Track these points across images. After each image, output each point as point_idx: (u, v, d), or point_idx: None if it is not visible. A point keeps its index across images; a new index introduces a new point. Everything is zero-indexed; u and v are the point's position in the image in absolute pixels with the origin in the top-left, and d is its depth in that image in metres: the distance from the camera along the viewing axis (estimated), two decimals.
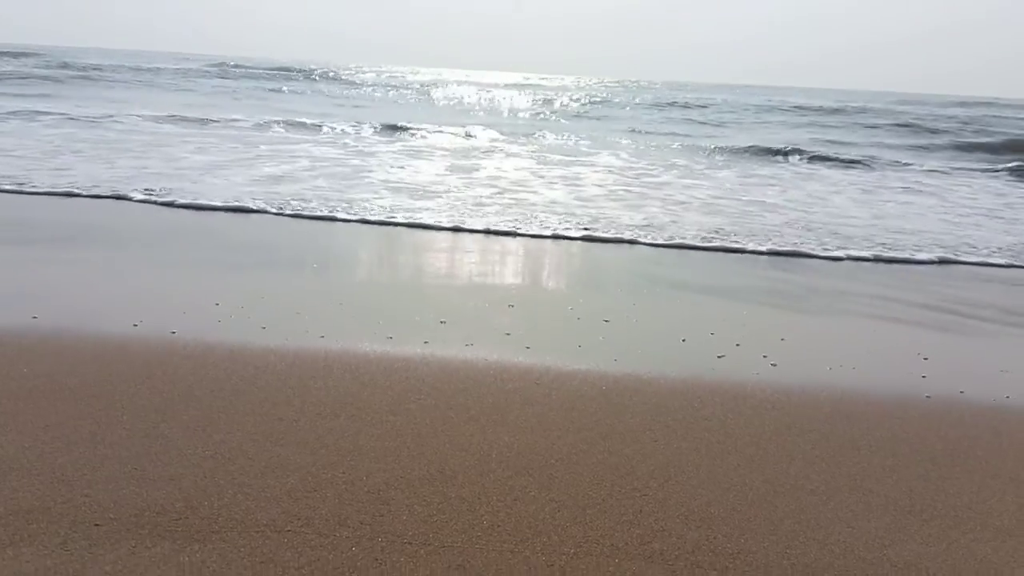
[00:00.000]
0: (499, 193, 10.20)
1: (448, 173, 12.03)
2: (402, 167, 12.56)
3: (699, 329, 4.83)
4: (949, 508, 2.81)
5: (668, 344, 4.48)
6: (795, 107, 37.74)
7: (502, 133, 20.95)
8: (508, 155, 15.67)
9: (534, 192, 10.52)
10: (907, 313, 5.59)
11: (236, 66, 51.33)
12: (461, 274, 6.00)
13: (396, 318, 4.62)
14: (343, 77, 49.38)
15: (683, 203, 10.35)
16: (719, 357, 4.26)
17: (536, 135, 21.51)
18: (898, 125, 29.08)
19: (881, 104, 45.85)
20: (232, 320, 4.38)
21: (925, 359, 4.48)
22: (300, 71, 50.49)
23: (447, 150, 16.10)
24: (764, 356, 4.33)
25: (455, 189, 10.36)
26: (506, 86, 55.26)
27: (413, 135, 19.39)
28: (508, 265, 6.48)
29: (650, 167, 14.73)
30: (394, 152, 14.94)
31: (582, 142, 20.21)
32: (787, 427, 3.41)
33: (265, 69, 50.74)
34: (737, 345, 4.51)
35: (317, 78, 45.52)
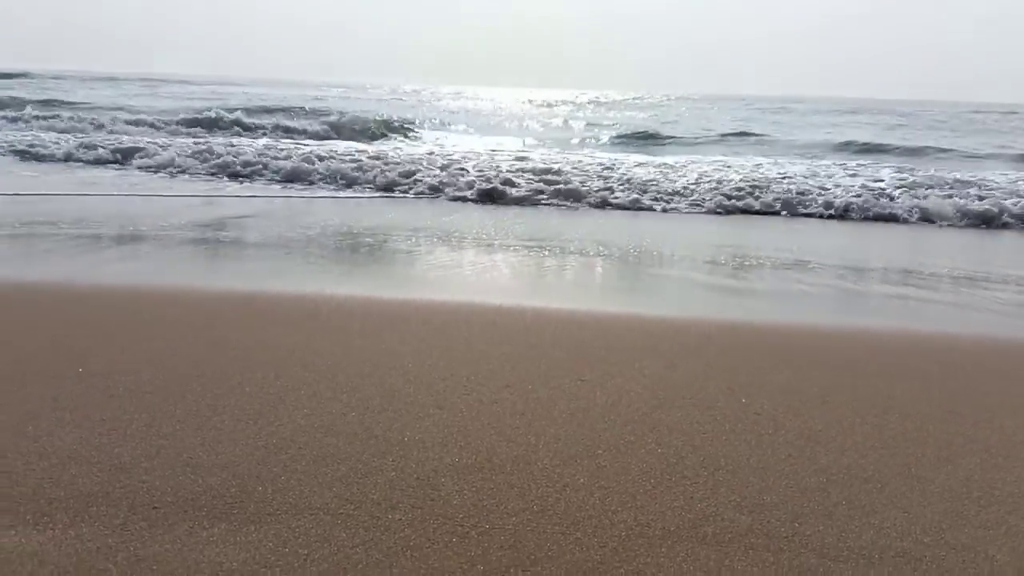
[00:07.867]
0: None
1: None
2: None
3: (744, 326, 4.79)
4: (1006, 495, 2.75)
5: (712, 341, 4.45)
6: None
7: None
8: None
9: None
10: (943, 311, 5.50)
11: None
12: (508, 275, 6.03)
13: (441, 320, 4.65)
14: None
15: None
16: (766, 353, 4.22)
17: None
18: None
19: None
20: (275, 322, 4.45)
21: (978, 352, 4.40)
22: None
23: None
24: (810, 353, 4.28)
25: None
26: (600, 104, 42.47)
27: None
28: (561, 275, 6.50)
29: None
30: None
31: None
32: (838, 421, 3.37)
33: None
34: (783, 342, 4.47)
35: None
